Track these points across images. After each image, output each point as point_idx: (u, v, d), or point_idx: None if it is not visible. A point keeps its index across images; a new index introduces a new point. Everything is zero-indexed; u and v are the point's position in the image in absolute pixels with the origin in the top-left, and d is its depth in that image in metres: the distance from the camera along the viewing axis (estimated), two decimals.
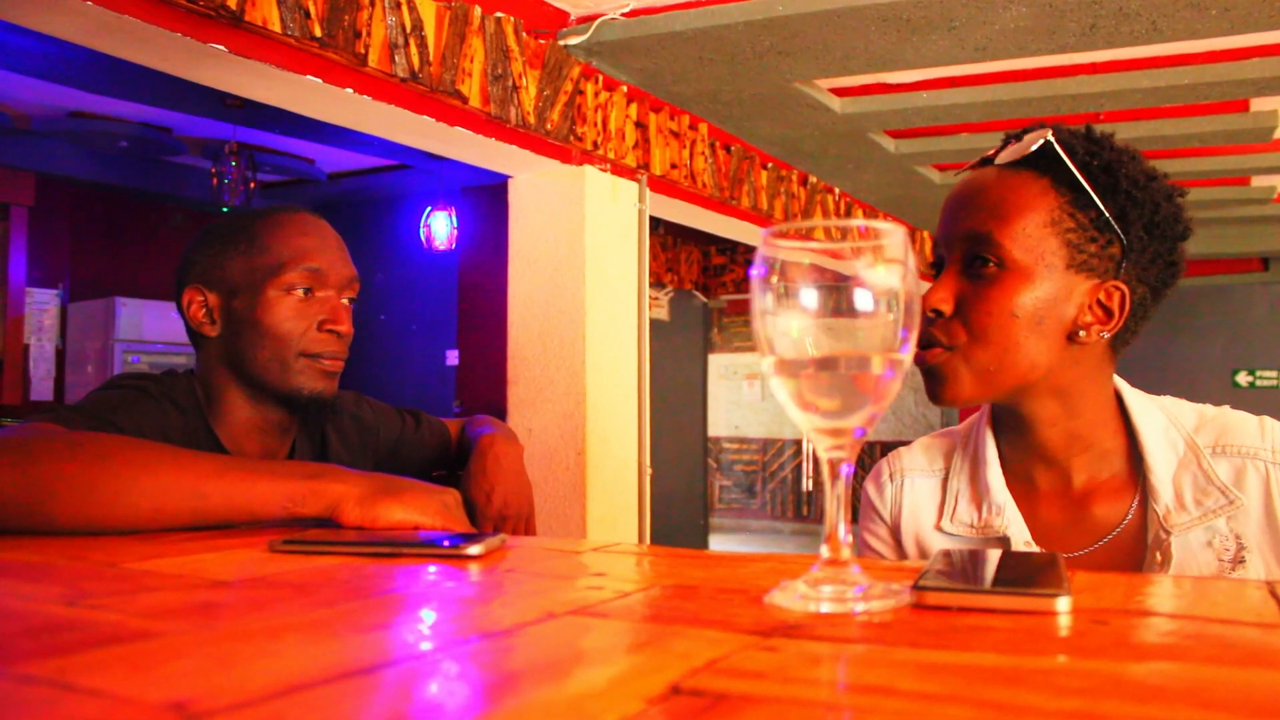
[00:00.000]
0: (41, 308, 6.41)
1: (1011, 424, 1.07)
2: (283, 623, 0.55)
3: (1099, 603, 0.59)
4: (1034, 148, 0.99)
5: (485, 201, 5.97)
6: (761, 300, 0.58)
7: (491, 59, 2.79)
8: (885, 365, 0.58)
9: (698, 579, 0.69)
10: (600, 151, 3.25)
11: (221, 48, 2.13)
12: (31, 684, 0.42)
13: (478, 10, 2.73)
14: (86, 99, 5.10)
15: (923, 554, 1.12)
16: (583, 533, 3.06)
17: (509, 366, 3.27)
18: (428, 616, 0.59)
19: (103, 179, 6.26)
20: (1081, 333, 0.99)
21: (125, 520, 0.93)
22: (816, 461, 8.51)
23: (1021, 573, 0.63)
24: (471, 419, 1.62)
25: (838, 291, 0.57)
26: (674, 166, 3.67)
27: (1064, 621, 0.54)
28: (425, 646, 0.50)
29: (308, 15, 2.24)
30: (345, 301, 1.33)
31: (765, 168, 4.38)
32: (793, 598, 0.58)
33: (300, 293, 1.28)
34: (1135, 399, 1.06)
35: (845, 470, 0.61)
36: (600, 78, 3.26)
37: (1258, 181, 5.02)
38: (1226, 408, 1.06)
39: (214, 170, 5.55)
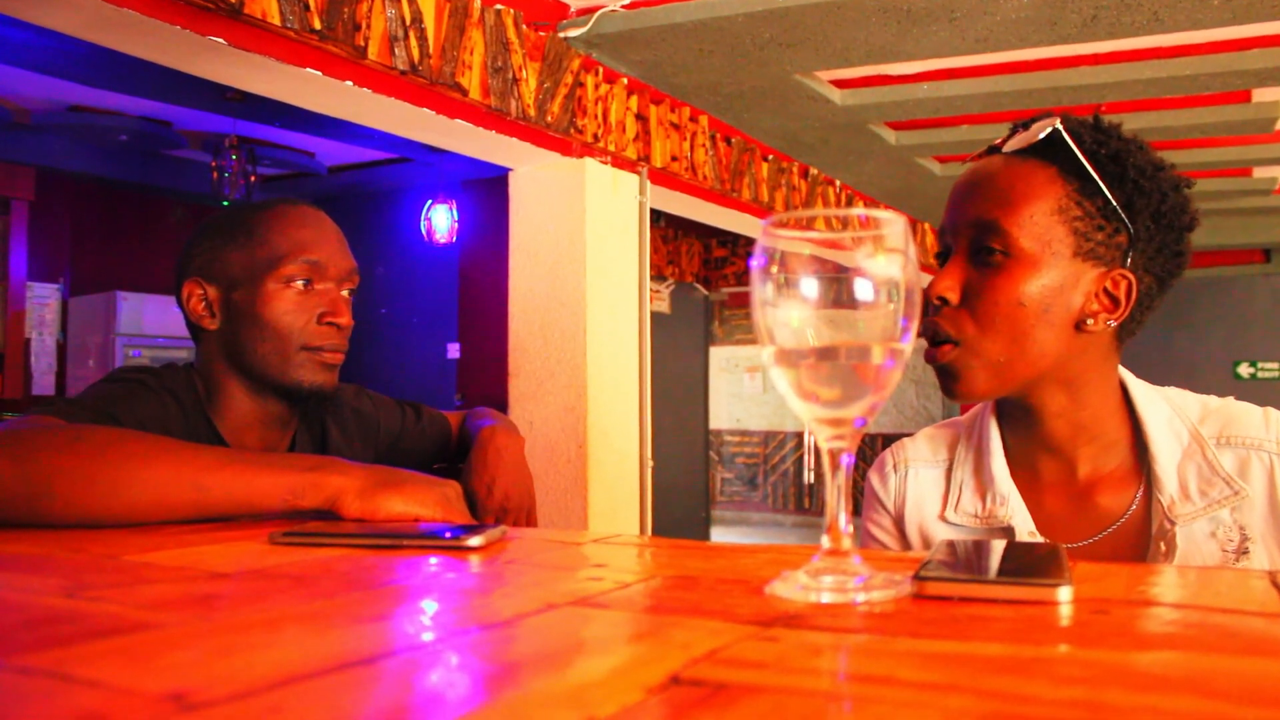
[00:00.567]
0: (42, 302, 6.41)
1: (1017, 414, 1.07)
2: (282, 614, 0.55)
3: (1100, 592, 0.59)
4: (1042, 136, 0.98)
5: (486, 194, 5.97)
6: (762, 290, 0.58)
7: (491, 51, 2.79)
8: (886, 355, 0.57)
9: (698, 570, 0.68)
10: (601, 144, 3.25)
11: (221, 41, 2.13)
12: (31, 675, 0.42)
13: (477, 3, 2.73)
14: (86, 93, 5.09)
15: (927, 544, 1.12)
16: (584, 525, 3.06)
17: (510, 359, 3.27)
18: (428, 608, 0.59)
19: (103, 173, 6.26)
20: (1089, 321, 0.99)
21: (125, 513, 0.93)
22: (818, 454, 8.52)
23: (1023, 562, 0.63)
24: (472, 411, 1.62)
25: (838, 281, 0.57)
26: (675, 159, 3.67)
27: (1065, 611, 0.54)
28: (426, 637, 0.50)
29: (307, 8, 2.23)
30: (345, 294, 1.33)
31: (766, 160, 4.37)
32: (793, 588, 0.58)
33: (300, 285, 1.28)
34: (1140, 389, 1.06)
35: (846, 460, 0.60)
36: (600, 70, 3.25)
37: (1259, 173, 5.02)
38: (1231, 399, 1.06)
39: (214, 164, 5.55)
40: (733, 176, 4.08)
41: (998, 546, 0.69)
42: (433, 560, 0.74)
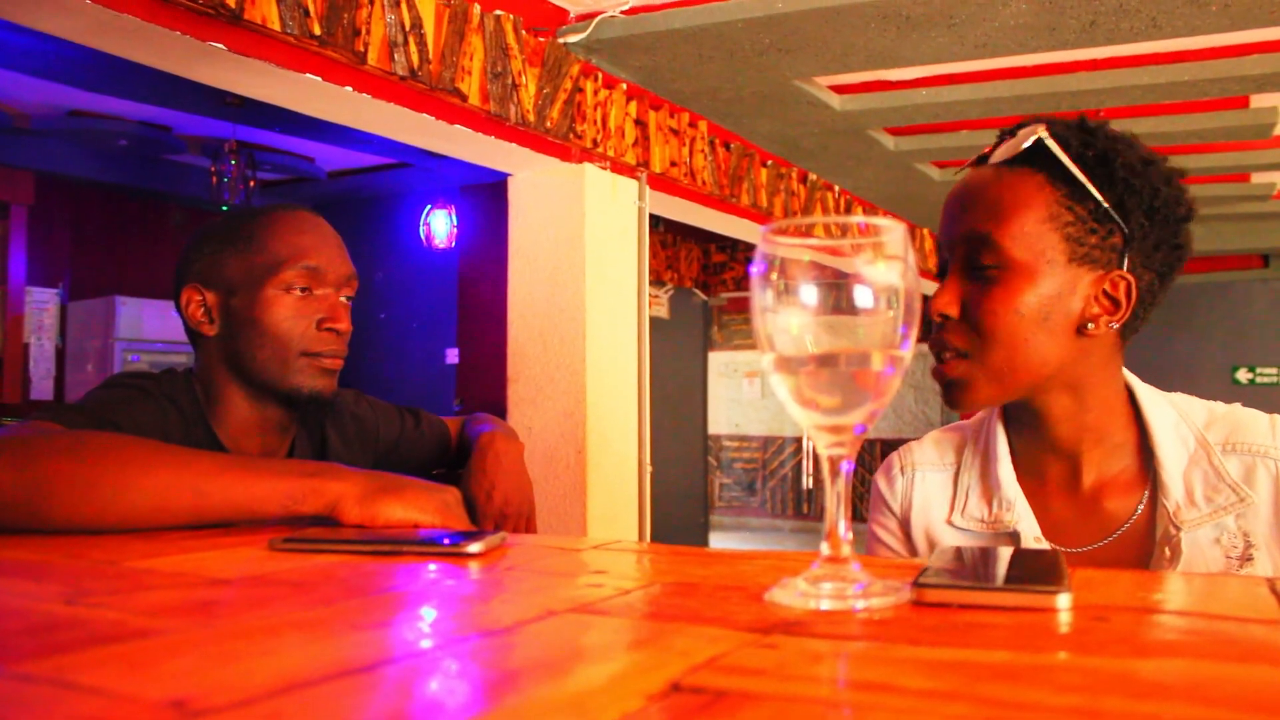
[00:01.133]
0: (41, 307, 6.41)
1: (1024, 418, 1.07)
2: (282, 621, 0.55)
3: (1100, 599, 0.59)
4: (1027, 145, 0.98)
5: (485, 200, 5.96)
6: (761, 297, 0.58)
7: (491, 57, 2.79)
8: (885, 362, 0.58)
9: (698, 576, 0.68)
10: (600, 149, 3.25)
11: (221, 46, 2.13)
12: (31, 682, 0.42)
13: (477, 8, 2.73)
14: (86, 98, 5.09)
15: (932, 548, 1.12)
16: (583, 531, 3.06)
17: (509, 365, 3.27)
18: (428, 614, 0.59)
19: (102, 178, 6.26)
20: (1090, 325, 0.99)
21: (125, 519, 0.93)
22: (817, 459, 8.51)
23: (1023, 569, 0.63)
24: (471, 417, 1.62)
25: (837, 288, 0.57)
26: (674, 164, 3.67)
27: (1064, 618, 0.54)
28: (425, 644, 0.50)
29: (307, 13, 2.24)
30: (344, 299, 1.33)
31: (765, 165, 4.38)
32: (793, 595, 0.58)
33: (298, 291, 1.28)
34: (1146, 393, 1.06)
35: (845, 467, 0.60)
36: (600, 75, 3.26)
37: (1258, 178, 5.02)
38: (1237, 405, 1.06)
39: (213, 169, 5.55)
40: (732, 182, 4.08)
41: (997, 553, 0.70)
42: (432, 567, 0.74)
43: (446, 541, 0.80)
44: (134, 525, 0.93)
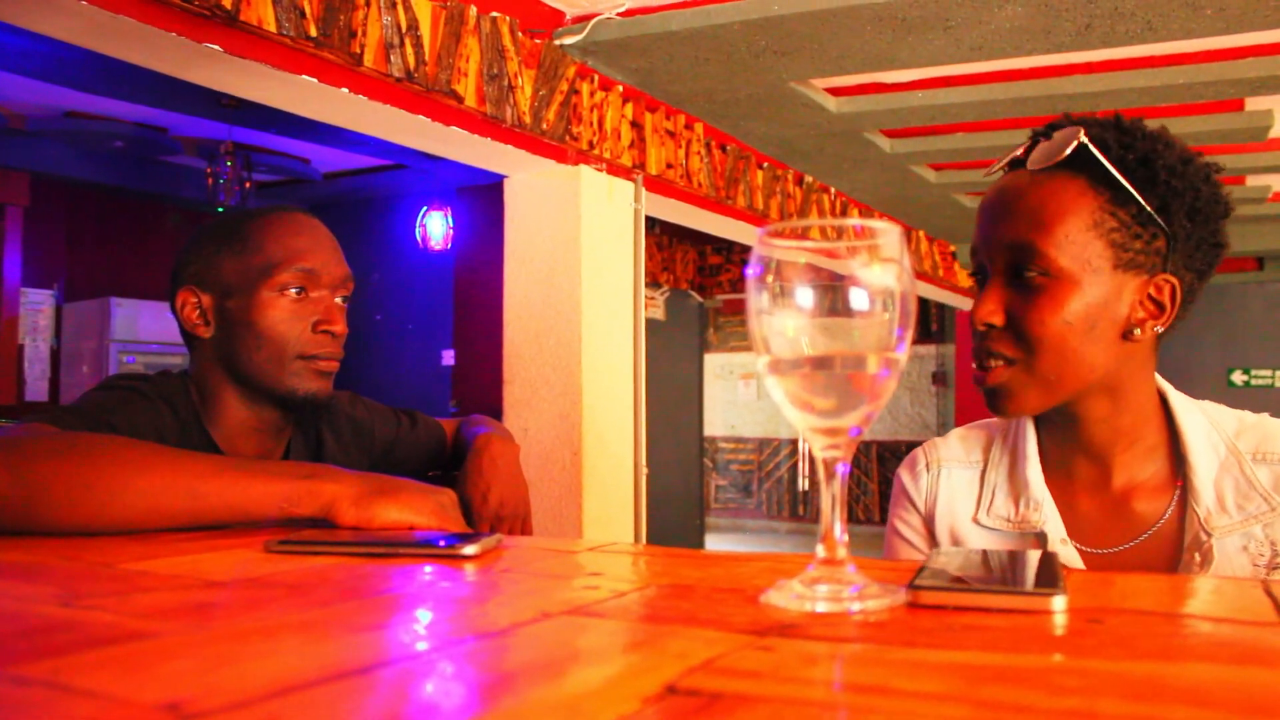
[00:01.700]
0: (36, 308, 6.40)
1: (1057, 420, 1.06)
2: (278, 623, 0.55)
3: (1095, 602, 0.59)
4: (1069, 151, 0.96)
5: (481, 201, 5.97)
6: (757, 299, 0.58)
7: (487, 59, 2.79)
8: (881, 364, 0.58)
9: (693, 578, 0.68)
10: (596, 151, 3.25)
11: (217, 47, 2.13)
12: (26, 685, 0.42)
13: (473, 10, 2.73)
14: (82, 99, 5.09)
15: (956, 545, 1.11)
16: (579, 533, 3.06)
17: (505, 366, 3.27)
18: (423, 617, 0.59)
19: (98, 179, 6.26)
20: (1136, 330, 0.98)
21: (120, 520, 0.93)
22: (813, 461, 8.52)
23: (1018, 572, 0.63)
24: (467, 419, 1.62)
25: (833, 291, 0.57)
26: (670, 166, 3.67)
27: (1060, 621, 0.54)
28: (421, 647, 0.50)
29: (303, 15, 2.23)
30: (339, 301, 1.33)
31: (761, 167, 4.38)
32: (788, 597, 0.58)
33: (294, 293, 1.28)
34: (1179, 399, 1.06)
35: (841, 469, 0.61)
36: (596, 77, 3.26)
37: (1253, 181, 5.03)
38: (1265, 415, 1.06)
39: (209, 170, 5.55)
40: (728, 184, 4.08)
41: (993, 555, 0.70)
42: (428, 569, 0.74)
43: (442, 544, 0.80)
44: (129, 527, 0.93)
